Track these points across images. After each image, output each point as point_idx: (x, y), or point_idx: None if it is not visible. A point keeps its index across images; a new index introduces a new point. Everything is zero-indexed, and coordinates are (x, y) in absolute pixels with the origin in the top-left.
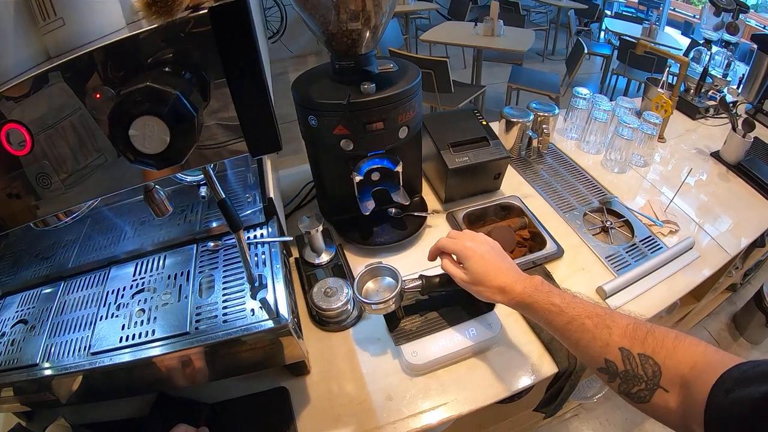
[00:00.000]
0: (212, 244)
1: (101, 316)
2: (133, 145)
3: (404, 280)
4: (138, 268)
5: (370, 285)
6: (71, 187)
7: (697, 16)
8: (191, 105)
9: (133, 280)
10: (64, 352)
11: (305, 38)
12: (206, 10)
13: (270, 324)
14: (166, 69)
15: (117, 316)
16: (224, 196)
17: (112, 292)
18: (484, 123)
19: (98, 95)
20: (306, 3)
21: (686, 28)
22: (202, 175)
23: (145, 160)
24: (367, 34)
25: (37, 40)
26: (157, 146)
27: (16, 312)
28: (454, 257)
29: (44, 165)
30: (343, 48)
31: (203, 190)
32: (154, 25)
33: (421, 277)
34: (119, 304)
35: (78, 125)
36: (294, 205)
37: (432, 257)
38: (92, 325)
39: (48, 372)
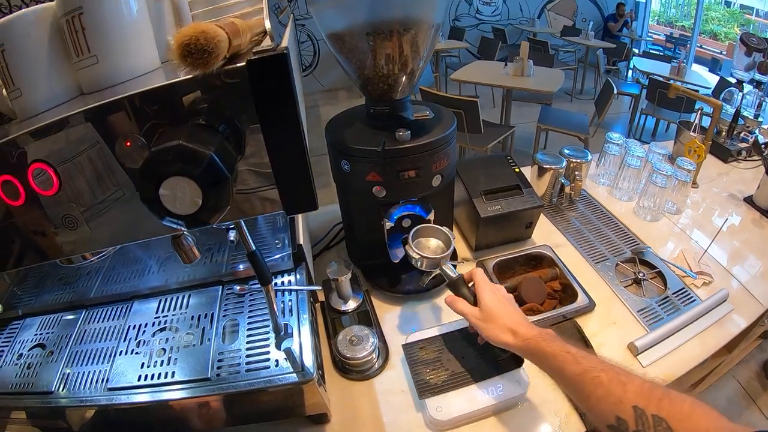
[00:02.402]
0: (238, 287)
1: (121, 351)
2: (163, 204)
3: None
4: (161, 305)
5: (421, 241)
6: (97, 229)
7: (724, 53)
8: (226, 165)
9: (155, 317)
10: (80, 383)
11: (337, 73)
12: (244, 63)
13: (294, 378)
14: (201, 120)
15: (137, 353)
16: (254, 248)
17: (134, 328)
18: (517, 170)
19: (128, 143)
20: (342, 46)
21: (713, 65)
22: None
23: (174, 219)
24: (404, 79)
25: (71, 74)
26: (189, 207)
27: (35, 335)
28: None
29: (71, 207)
30: (378, 93)
31: (232, 235)
32: (190, 75)
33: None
34: (140, 340)
35: (106, 170)
36: (322, 246)
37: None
38: (111, 359)
39: (63, 402)
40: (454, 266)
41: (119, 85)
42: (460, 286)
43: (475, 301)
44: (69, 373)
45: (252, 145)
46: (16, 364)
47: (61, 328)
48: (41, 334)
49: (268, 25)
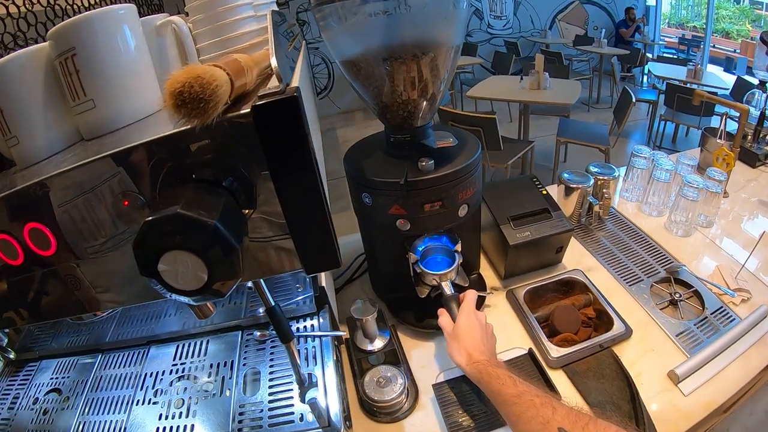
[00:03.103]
0: (258, 333)
1: (138, 401)
2: (164, 280)
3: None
4: (179, 351)
5: None
6: (102, 291)
7: (738, 51)
8: (233, 233)
9: (173, 365)
10: None
11: (353, 94)
12: (249, 110)
13: None
14: (205, 174)
15: (155, 402)
16: (273, 304)
17: (151, 375)
18: (544, 192)
19: (126, 202)
20: (358, 73)
21: (728, 64)
22: None
23: (179, 294)
24: (424, 104)
25: (69, 119)
26: (192, 283)
27: (51, 379)
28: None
29: (71, 267)
30: (398, 120)
31: (250, 282)
32: (186, 127)
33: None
34: (157, 389)
35: (105, 229)
36: (345, 279)
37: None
38: (128, 409)
39: None
40: (484, 297)
41: (120, 131)
42: (451, 303)
43: None
44: (85, 422)
45: (266, 194)
46: (32, 409)
47: (77, 372)
48: (57, 378)
49: (274, 62)
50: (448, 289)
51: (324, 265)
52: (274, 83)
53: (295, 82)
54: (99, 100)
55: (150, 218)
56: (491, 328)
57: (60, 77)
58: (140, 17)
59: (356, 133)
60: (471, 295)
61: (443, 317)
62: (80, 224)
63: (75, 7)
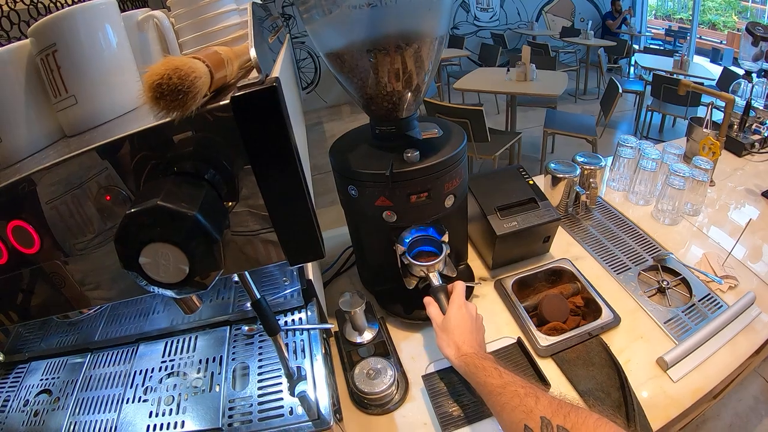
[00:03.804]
0: (247, 328)
1: (128, 399)
2: (146, 273)
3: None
4: (167, 348)
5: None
6: (89, 288)
7: (724, 42)
8: (214, 225)
9: (162, 362)
10: None
11: (339, 88)
12: (228, 100)
13: (311, 426)
14: (187, 167)
15: (145, 400)
16: (259, 297)
17: (140, 373)
18: (531, 182)
19: (108, 197)
20: (342, 66)
21: (714, 55)
22: None
23: (161, 287)
24: (409, 96)
25: (52, 117)
26: (174, 276)
27: (41, 380)
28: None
29: (55, 265)
30: (382, 112)
31: (236, 275)
32: (166, 120)
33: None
34: (147, 387)
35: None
36: (333, 272)
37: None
38: (119, 407)
39: None
40: (472, 288)
41: (102, 126)
42: (439, 293)
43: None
44: (76, 422)
45: (248, 187)
46: (23, 411)
47: (66, 372)
48: (47, 379)
49: (253, 53)
50: (435, 280)
51: (307, 256)
52: (254, 74)
53: (275, 73)
54: (81, 96)
55: (130, 210)
56: (481, 319)
57: (41, 74)
58: (123, 12)
59: (343, 127)
60: (460, 287)
61: (432, 308)
62: (64, 221)
63: (58, 5)
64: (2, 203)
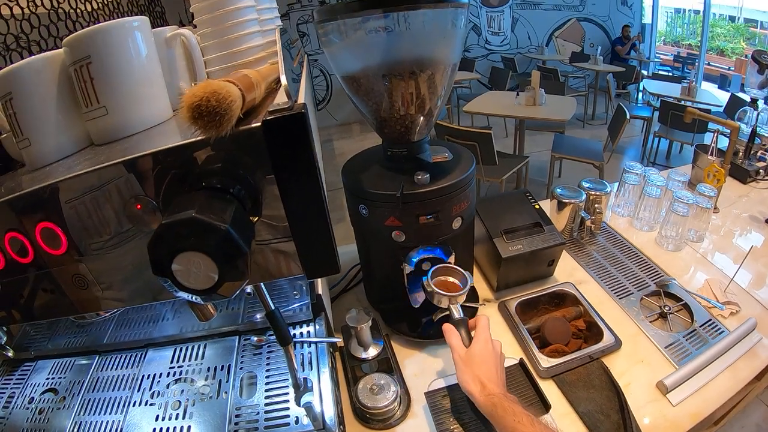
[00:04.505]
0: (256, 338)
1: (135, 402)
2: (177, 279)
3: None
4: (176, 354)
5: (440, 278)
6: (110, 290)
7: (732, 68)
8: (243, 238)
9: (170, 368)
10: None
11: (350, 107)
12: (260, 123)
13: None
14: (215, 182)
15: (152, 404)
16: (273, 308)
17: (148, 377)
18: (537, 206)
19: (138, 206)
20: (358, 88)
21: (722, 81)
22: None
23: (189, 293)
24: (421, 120)
25: (80, 124)
26: (203, 283)
27: (47, 379)
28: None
29: (80, 267)
30: (395, 135)
31: (249, 287)
32: (201, 137)
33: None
34: (154, 391)
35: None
36: (340, 288)
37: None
38: (125, 410)
39: None
40: (476, 309)
41: (130, 138)
42: (460, 326)
43: (469, 345)
44: (81, 422)
45: (271, 202)
46: (28, 408)
47: (73, 373)
48: (53, 378)
49: (284, 80)
50: (457, 312)
51: (324, 271)
52: (282, 98)
53: (301, 98)
54: (111, 107)
55: (166, 221)
56: (503, 358)
57: (74, 83)
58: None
59: (353, 146)
60: (485, 321)
61: (453, 337)
62: (89, 224)
63: (78, 11)
64: (31, 205)
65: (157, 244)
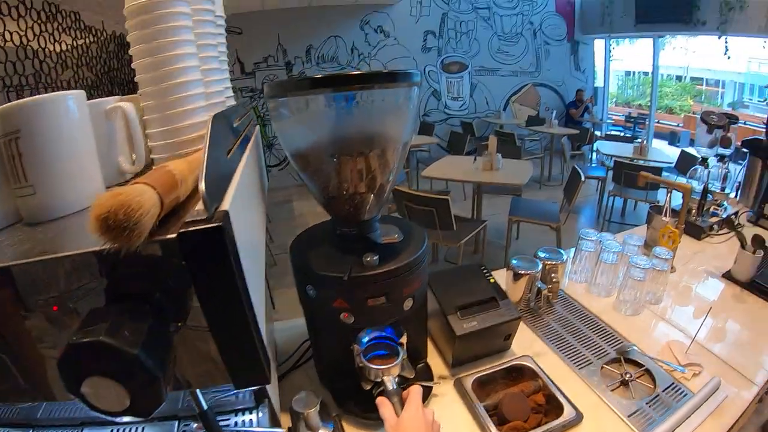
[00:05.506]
0: (195, 425)
1: None
2: (88, 401)
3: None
4: None
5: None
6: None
7: (681, 125)
8: (157, 362)
9: None
10: None
11: None
12: (175, 235)
13: None
14: (133, 290)
15: None
16: (206, 408)
17: None
18: (492, 280)
19: (55, 308)
20: (307, 166)
21: (672, 138)
22: None
23: (103, 414)
24: (371, 198)
25: (11, 198)
26: (116, 405)
27: None
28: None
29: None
30: (343, 213)
31: None
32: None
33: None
34: None
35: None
36: (290, 364)
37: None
38: None
39: None
40: (430, 388)
41: (59, 220)
42: (393, 397)
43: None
44: None
45: (196, 310)
46: None
47: None
48: None
49: (202, 187)
50: (390, 384)
51: (253, 381)
52: (200, 206)
53: (227, 200)
54: (39, 187)
55: (73, 341)
56: (438, 426)
57: (3, 157)
58: (91, 100)
59: (312, 207)
60: (417, 390)
61: (385, 408)
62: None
63: (47, 51)
64: None
65: (63, 365)
